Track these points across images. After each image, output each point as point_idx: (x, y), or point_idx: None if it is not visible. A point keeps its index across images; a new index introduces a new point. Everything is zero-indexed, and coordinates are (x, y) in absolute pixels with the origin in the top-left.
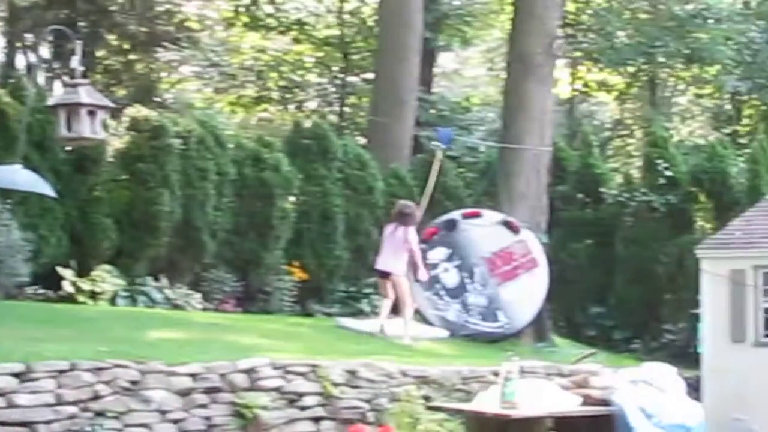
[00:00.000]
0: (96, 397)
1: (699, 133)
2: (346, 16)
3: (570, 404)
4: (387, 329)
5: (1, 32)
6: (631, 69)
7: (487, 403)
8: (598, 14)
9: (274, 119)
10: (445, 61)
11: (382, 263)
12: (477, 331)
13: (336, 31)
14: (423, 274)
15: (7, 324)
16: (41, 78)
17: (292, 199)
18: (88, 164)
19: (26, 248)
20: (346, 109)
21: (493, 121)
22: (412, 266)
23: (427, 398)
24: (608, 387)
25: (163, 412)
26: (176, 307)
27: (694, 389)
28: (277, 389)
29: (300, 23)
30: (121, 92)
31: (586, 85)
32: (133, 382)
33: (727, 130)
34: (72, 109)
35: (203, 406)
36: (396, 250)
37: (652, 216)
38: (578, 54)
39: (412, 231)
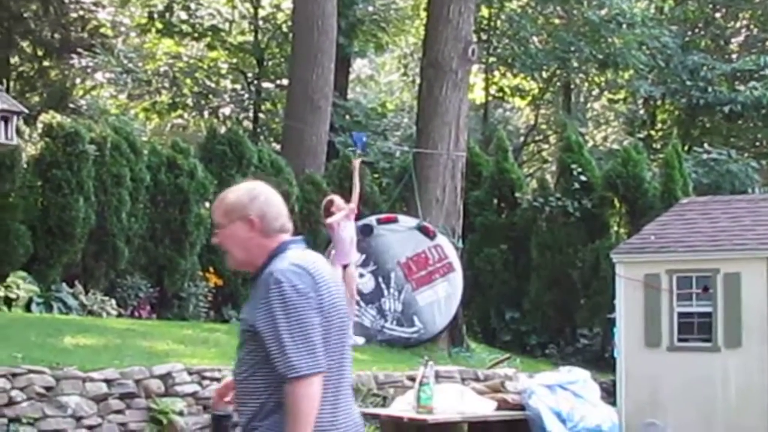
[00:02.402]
0: (11, 402)
1: (613, 138)
2: (260, 22)
3: (486, 409)
4: None
5: None
6: (545, 74)
7: (403, 408)
8: (512, 20)
9: (188, 125)
10: (359, 66)
11: None
12: (393, 336)
13: (250, 37)
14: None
15: None
16: None
17: (207, 204)
18: (2, 171)
19: None
20: (261, 115)
21: (408, 127)
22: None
23: None
24: (523, 391)
25: (79, 418)
26: (91, 313)
27: (609, 394)
28: (192, 395)
29: (214, 29)
30: (35, 99)
31: (500, 90)
32: (48, 388)
33: (641, 135)
34: None
35: (119, 411)
36: None
37: (566, 221)
38: (493, 59)
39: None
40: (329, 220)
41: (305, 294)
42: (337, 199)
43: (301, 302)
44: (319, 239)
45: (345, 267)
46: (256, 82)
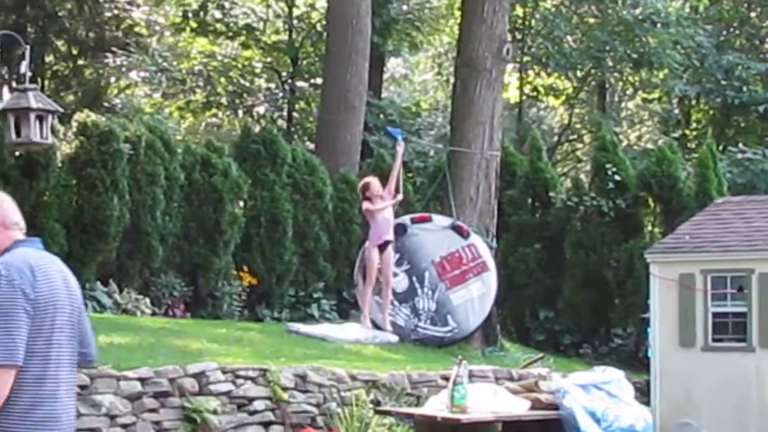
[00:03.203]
0: None
1: (647, 137)
2: (294, 21)
3: (519, 408)
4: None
5: None
6: (579, 73)
7: (436, 407)
8: (547, 19)
9: (222, 124)
10: (394, 66)
11: None
12: (426, 335)
13: (285, 36)
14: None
15: None
16: None
17: (241, 204)
18: (37, 169)
19: None
20: (295, 114)
21: (442, 126)
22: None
23: (376, 403)
24: (557, 391)
25: (113, 417)
26: (125, 312)
27: (643, 393)
28: (226, 393)
29: (249, 28)
30: (70, 97)
31: (534, 89)
32: (82, 387)
33: (676, 135)
34: (21, 114)
35: (153, 410)
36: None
37: (601, 220)
38: (527, 58)
39: (366, 204)
40: (372, 208)
41: (17, 288)
42: (374, 183)
43: (11, 295)
44: (353, 238)
45: (381, 249)
46: (290, 81)
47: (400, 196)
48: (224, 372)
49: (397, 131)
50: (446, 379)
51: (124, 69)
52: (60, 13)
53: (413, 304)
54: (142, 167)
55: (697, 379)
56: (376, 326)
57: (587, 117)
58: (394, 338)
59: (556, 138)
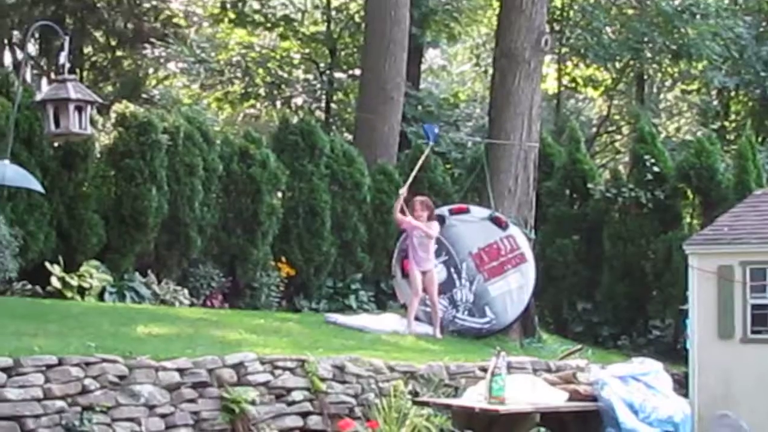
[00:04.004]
0: (84, 391)
1: (686, 129)
2: (333, 12)
3: (557, 400)
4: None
5: None
6: (618, 65)
7: (474, 398)
8: (585, 10)
9: (261, 115)
10: (432, 57)
11: None
12: (464, 326)
13: (323, 28)
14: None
15: None
16: (28, 75)
17: (279, 194)
18: (76, 160)
19: (14, 244)
20: (333, 105)
21: (481, 117)
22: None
23: (414, 393)
24: (596, 382)
25: (151, 407)
26: (164, 302)
27: (681, 385)
28: (264, 384)
29: (287, 19)
30: (109, 88)
31: (573, 80)
32: (121, 377)
33: (715, 126)
34: (59, 104)
35: (191, 400)
36: None
37: (639, 212)
38: (565, 50)
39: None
40: (401, 220)
41: None
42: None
43: None
44: (391, 229)
45: (424, 273)
46: (328, 72)
47: (403, 192)
48: (262, 362)
49: (433, 131)
50: (484, 370)
51: (162, 60)
52: (99, 4)
53: (451, 295)
54: (180, 158)
55: (735, 370)
56: (414, 318)
57: (626, 108)
58: (439, 334)
59: (594, 129)
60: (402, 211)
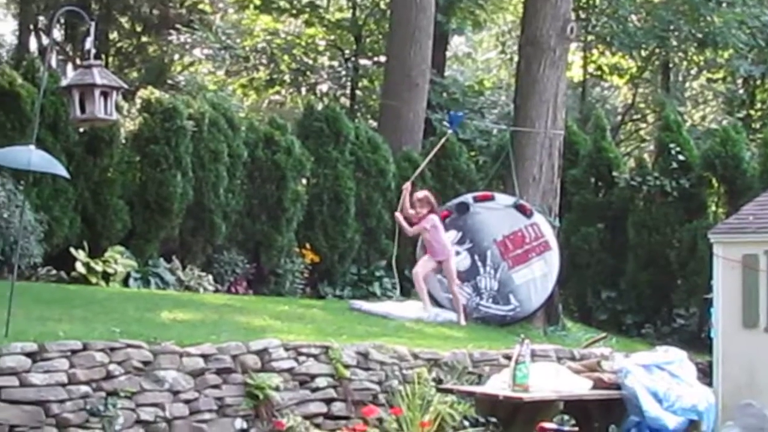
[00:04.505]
0: (109, 376)
1: (712, 117)
2: None
3: (581, 388)
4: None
5: (14, 14)
6: (643, 53)
7: (498, 386)
8: None
9: (286, 102)
10: (457, 44)
11: None
12: (488, 314)
13: (348, 14)
14: None
15: (21, 304)
16: (54, 60)
17: (304, 181)
18: (101, 146)
19: (39, 229)
20: (358, 92)
21: (506, 105)
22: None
23: (438, 381)
24: (620, 371)
25: (176, 392)
26: (188, 288)
27: (706, 374)
28: (288, 370)
29: (312, 6)
30: (134, 74)
31: (598, 68)
32: (146, 363)
33: (740, 115)
34: (85, 90)
35: (215, 386)
36: None
37: (664, 200)
38: (591, 37)
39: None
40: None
41: None
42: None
43: None
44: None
45: (440, 263)
46: (353, 58)
47: (407, 187)
48: (287, 349)
49: (459, 117)
50: (508, 358)
51: (187, 46)
52: None
53: (475, 283)
54: (205, 144)
55: (760, 359)
56: (438, 305)
57: (651, 96)
58: (463, 321)
59: (619, 117)
60: (412, 205)
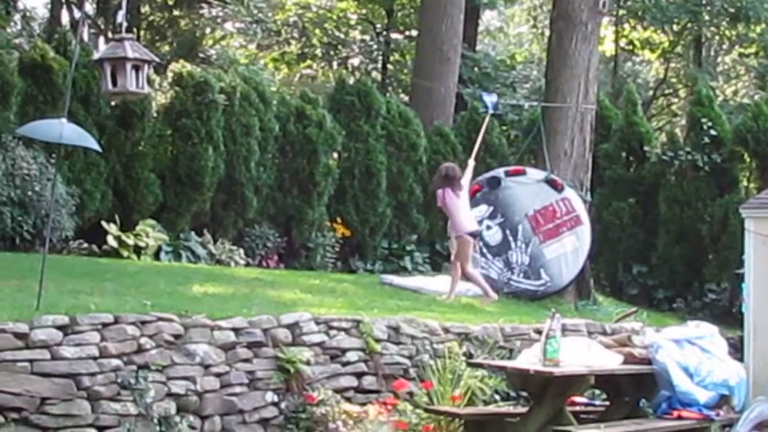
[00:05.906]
0: (140, 350)
1: (744, 92)
2: None
3: (612, 362)
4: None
5: None
6: (675, 27)
7: (529, 360)
8: None
9: (317, 76)
10: (489, 18)
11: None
12: (519, 288)
13: None
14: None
15: (52, 277)
16: (86, 34)
17: (335, 155)
18: (133, 119)
19: (71, 203)
20: (390, 67)
21: (537, 79)
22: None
23: (468, 355)
24: (651, 346)
25: (207, 366)
26: (219, 262)
27: (737, 349)
28: (319, 344)
29: None
30: (165, 48)
31: (630, 43)
32: (177, 336)
33: None
34: (117, 63)
35: (246, 360)
36: None
37: (696, 175)
38: (623, 12)
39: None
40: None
41: None
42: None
43: None
44: None
45: (458, 238)
46: (385, 33)
47: (472, 162)
48: (318, 323)
49: (493, 99)
50: (539, 332)
51: (219, 20)
52: None
53: (506, 257)
54: (237, 118)
55: None
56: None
57: (683, 71)
58: (494, 295)
59: (651, 92)
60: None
